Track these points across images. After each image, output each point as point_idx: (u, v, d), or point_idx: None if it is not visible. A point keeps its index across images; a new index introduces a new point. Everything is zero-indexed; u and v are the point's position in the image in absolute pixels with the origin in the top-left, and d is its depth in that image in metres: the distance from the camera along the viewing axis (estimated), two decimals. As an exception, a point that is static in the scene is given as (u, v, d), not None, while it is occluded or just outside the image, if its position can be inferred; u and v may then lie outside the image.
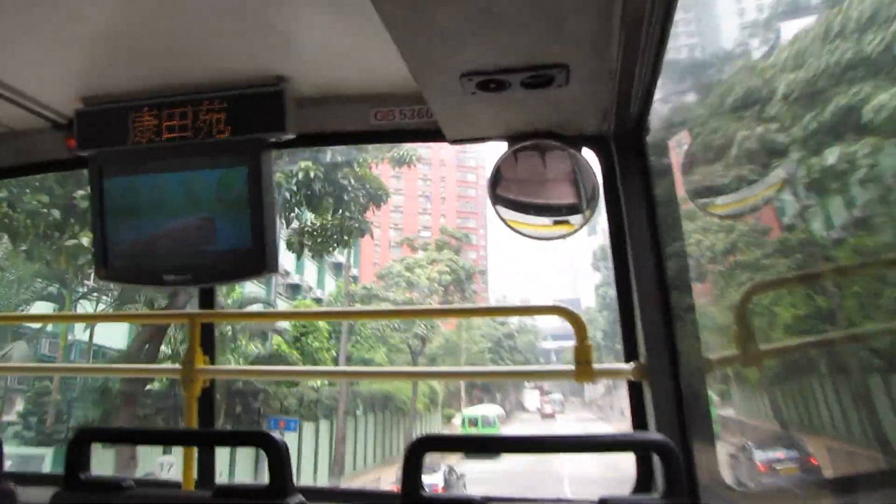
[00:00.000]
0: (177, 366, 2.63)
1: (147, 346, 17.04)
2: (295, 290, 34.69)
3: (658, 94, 1.96)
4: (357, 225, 18.68)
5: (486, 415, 37.46)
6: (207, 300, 2.81)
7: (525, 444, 1.85)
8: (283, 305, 30.36)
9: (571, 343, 2.29)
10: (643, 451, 2.22)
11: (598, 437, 1.70)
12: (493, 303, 50.74)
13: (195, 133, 2.55)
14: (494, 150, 2.42)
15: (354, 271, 37.89)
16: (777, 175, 1.94)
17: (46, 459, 18.16)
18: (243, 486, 1.73)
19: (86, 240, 13.76)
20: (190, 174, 2.61)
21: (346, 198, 18.03)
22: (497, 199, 2.40)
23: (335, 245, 18.94)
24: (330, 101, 2.64)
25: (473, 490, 19.23)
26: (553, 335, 66.51)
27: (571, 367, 2.24)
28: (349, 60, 2.39)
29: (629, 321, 2.36)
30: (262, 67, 2.44)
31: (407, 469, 1.59)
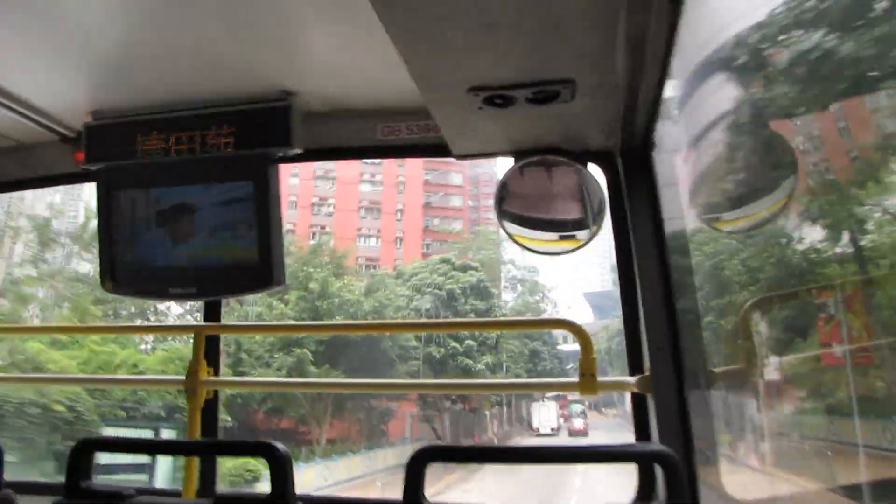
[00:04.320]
0: (181, 377, 2.62)
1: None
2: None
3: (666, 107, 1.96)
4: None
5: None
6: (213, 313, 2.81)
7: (528, 454, 1.84)
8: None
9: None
10: (645, 462, 2.21)
11: (601, 448, 1.69)
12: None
13: (203, 147, 2.57)
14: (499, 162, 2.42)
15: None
16: (787, 186, 1.93)
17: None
18: (244, 495, 1.71)
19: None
20: (197, 188, 2.62)
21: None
22: (503, 215, 2.41)
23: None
24: (337, 116, 2.65)
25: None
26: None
27: (575, 379, 2.24)
28: (356, 75, 2.41)
29: (634, 334, 2.35)
30: (270, 82, 2.46)
31: (409, 479, 1.58)
